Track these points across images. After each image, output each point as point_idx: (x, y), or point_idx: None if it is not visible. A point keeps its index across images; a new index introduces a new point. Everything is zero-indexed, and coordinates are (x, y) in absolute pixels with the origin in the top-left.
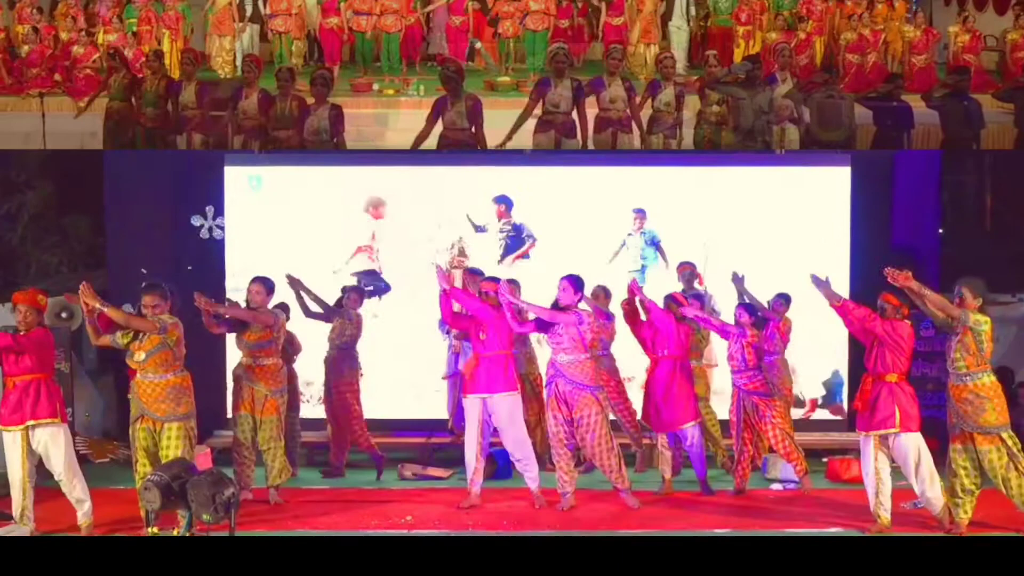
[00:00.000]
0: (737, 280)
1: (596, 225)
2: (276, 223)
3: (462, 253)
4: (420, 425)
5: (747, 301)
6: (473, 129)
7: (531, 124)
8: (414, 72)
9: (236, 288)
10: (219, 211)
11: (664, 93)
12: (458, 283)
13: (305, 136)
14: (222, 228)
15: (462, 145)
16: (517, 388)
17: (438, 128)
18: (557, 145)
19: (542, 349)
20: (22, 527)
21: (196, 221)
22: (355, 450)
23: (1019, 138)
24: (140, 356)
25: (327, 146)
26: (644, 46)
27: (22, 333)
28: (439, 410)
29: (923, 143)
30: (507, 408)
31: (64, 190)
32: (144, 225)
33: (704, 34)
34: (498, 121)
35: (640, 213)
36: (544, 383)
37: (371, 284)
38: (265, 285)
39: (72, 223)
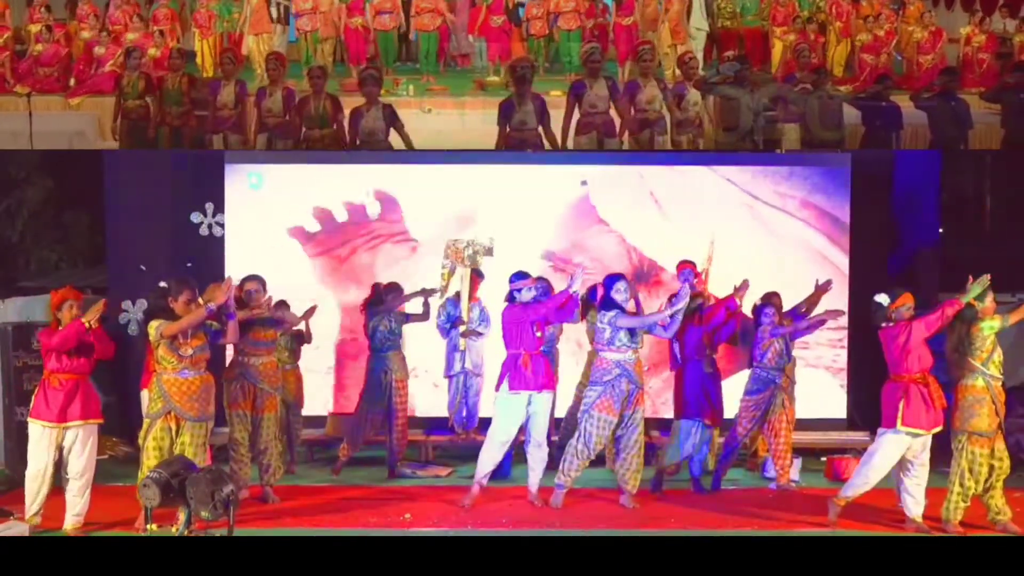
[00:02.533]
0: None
1: (593, 224)
2: (276, 221)
3: (489, 252)
4: (424, 423)
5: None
6: (540, 128)
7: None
8: (405, 71)
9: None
10: (219, 208)
11: (691, 93)
12: (465, 281)
13: (360, 138)
14: (222, 225)
15: (528, 145)
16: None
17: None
18: (600, 145)
19: None
20: (21, 525)
21: (196, 218)
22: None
23: (1006, 138)
24: (188, 351)
25: (381, 147)
26: (672, 47)
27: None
28: (440, 408)
29: (911, 143)
30: (551, 404)
31: (64, 187)
32: (144, 222)
33: (716, 35)
34: (491, 121)
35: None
36: (589, 381)
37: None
38: (262, 283)
39: (72, 220)
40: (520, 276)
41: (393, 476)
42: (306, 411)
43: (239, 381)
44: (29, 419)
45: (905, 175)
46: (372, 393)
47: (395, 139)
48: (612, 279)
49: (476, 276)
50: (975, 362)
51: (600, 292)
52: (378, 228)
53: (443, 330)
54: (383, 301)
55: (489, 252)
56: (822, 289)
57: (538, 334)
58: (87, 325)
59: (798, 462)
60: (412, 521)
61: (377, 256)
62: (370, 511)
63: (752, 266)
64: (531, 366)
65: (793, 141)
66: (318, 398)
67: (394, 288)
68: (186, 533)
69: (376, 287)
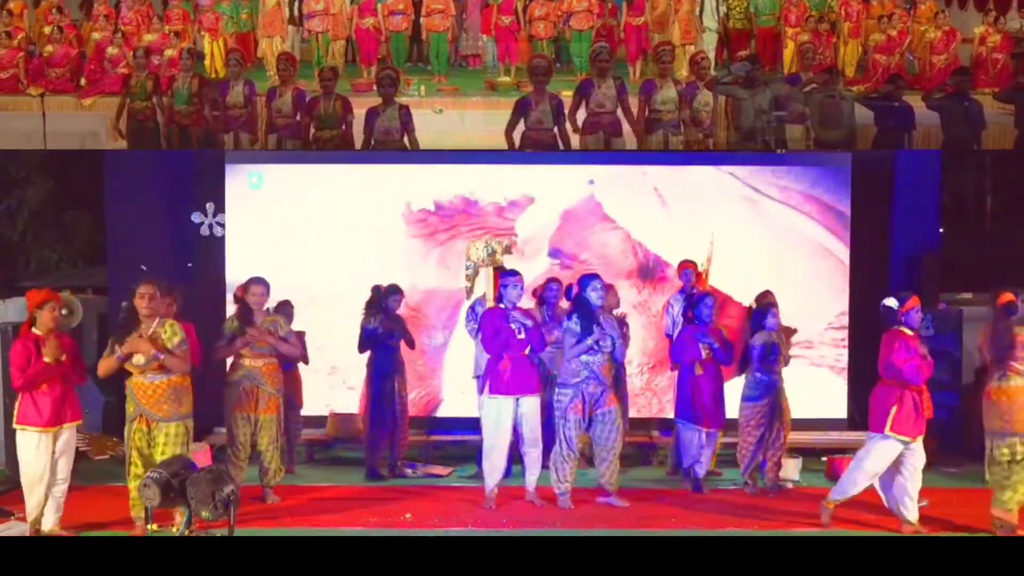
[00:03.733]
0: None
1: (596, 223)
2: (276, 220)
3: (508, 250)
4: (451, 424)
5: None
6: (556, 129)
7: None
8: (416, 72)
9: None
10: (220, 208)
11: (702, 93)
12: (489, 281)
13: (375, 137)
14: (223, 225)
15: (544, 145)
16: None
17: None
18: (606, 145)
19: None
20: (22, 525)
21: (197, 218)
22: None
23: (1019, 139)
24: (139, 360)
25: (396, 146)
26: (682, 48)
27: (53, 335)
28: (468, 409)
29: (924, 144)
30: (537, 408)
31: (64, 187)
32: (144, 222)
33: (728, 35)
34: (499, 120)
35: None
36: (559, 383)
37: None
38: (266, 286)
39: (72, 219)
40: (510, 274)
41: (393, 475)
42: (306, 411)
43: (241, 383)
44: (18, 426)
45: (906, 175)
46: (377, 395)
47: None
48: (587, 278)
49: (500, 275)
50: (1018, 364)
51: (575, 290)
52: (490, 221)
53: (472, 331)
54: (383, 303)
55: (508, 251)
56: (788, 334)
57: (520, 336)
58: (51, 362)
59: (798, 462)
60: (412, 521)
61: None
62: (370, 511)
63: (753, 265)
64: (511, 370)
65: (797, 141)
66: (320, 399)
67: (395, 291)
68: (186, 533)
69: (377, 289)
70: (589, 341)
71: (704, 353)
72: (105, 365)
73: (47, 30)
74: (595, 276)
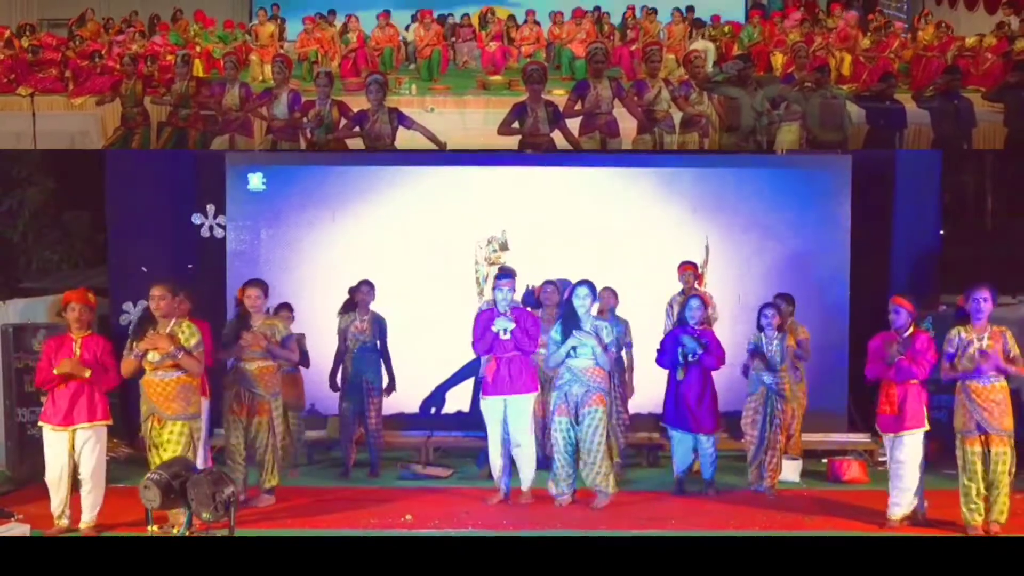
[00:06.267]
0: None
1: (595, 225)
2: (277, 222)
3: (504, 247)
4: (454, 423)
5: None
6: (555, 132)
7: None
8: (407, 71)
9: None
10: (220, 210)
11: (696, 92)
12: (491, 279)
13: (367, 143)
14: (223, 227)
15: (542, 149)
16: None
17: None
18: (602, 145)
19: None
20: (22, 525)
21: (197, 219)
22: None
23: (1009, 137)
24: (155, 357)
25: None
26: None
27: (80, 335)
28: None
29: (914, 142)
30: (526, 408)
31: (65, 187)
32: (145, 223)
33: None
34: (492, 119)
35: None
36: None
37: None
38: (263, 288)
39: (73, 220)
40: (503, 276)
41: (374, 476)
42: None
43: (235, 387)
44: (40, 423)
45: (906, 175)
46: (348, 393)
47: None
48: (574, 285)
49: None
50: None
51: (565, 296)
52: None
53: None
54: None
55: (505, 247)
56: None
57: (505, 337)
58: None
59: (798, 464)
60: (412, 522)
61: None
62: (370, 511)
63: (752, 266)
64: (498, 371)
65: (792, 142)
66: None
67: (367, 283)
68: (187, 534)
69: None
70: (562, 351)
71: (681, 356)
72: (125, 365)
73: (25, 43)
74: (583, 283)
